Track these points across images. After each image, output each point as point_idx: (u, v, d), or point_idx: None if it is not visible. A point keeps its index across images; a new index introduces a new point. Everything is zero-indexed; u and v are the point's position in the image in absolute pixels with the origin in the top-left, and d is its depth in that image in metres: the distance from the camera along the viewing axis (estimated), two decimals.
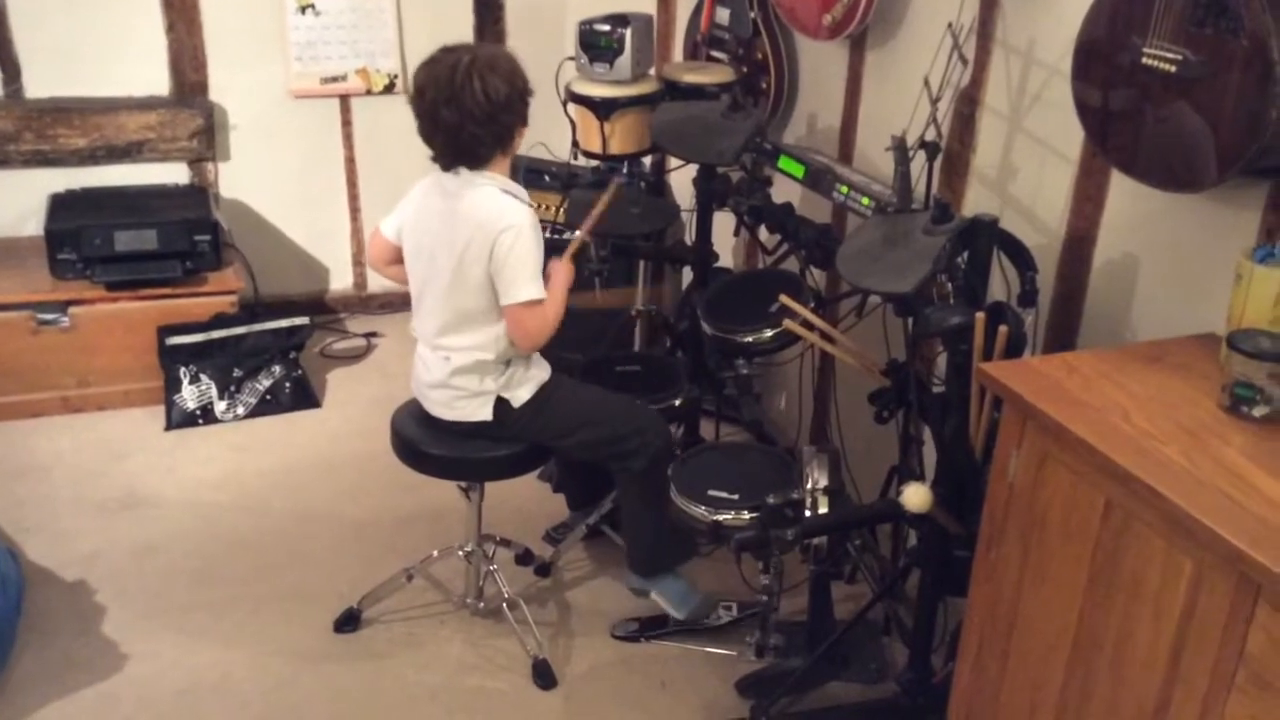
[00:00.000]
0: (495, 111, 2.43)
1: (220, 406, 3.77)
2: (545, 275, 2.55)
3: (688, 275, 3.90)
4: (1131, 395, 1.90)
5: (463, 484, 2.79)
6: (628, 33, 3.21)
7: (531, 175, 4.07)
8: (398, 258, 2.69)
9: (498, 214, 2.46)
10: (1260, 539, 1.53)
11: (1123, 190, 2.34)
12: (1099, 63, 2.13)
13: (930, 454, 2.74)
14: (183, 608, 2.94)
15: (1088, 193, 2.44)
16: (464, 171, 2.51)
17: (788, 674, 2.61)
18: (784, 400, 3.73)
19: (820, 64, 3.36)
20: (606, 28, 3.23)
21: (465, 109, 2.41)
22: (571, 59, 3.34)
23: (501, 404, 2.59)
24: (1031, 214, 2.60)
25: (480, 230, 2.47)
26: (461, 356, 2.56)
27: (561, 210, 3.53)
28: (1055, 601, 1.92)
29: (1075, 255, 2.49)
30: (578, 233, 2.76)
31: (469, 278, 2.50)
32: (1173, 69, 1.96)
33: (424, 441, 2.66)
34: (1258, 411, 1.82)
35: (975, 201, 2.78)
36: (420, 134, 2.53)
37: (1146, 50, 2.00)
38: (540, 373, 2.65)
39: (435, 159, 2.55)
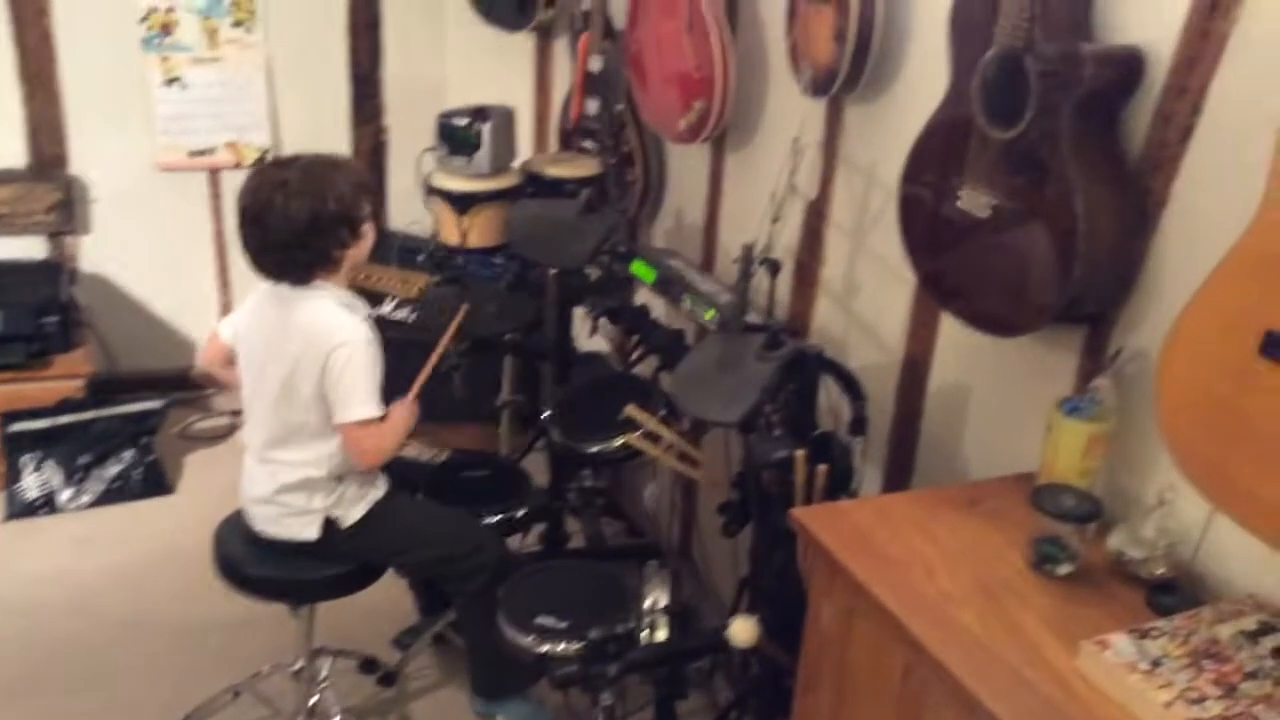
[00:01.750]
0: (297, 238, 2.33)
1: (64, 495, 3.62)
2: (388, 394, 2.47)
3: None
4: (940, 547, 1.86)
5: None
6: (486, 128, 3.17)
7: (405, 254, 4.01)
8: (232, 360, 2.60)
9: (331, 329, 2.38)
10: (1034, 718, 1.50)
11: (953, 319, 2.33)
12: (921, 197, 2.12)
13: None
14: None
15: (923, 317, 2.42)
16: (289, 284, 2.42)
17: None
18: (650, 494, 3.67)
19: (685, 160, 3.34)
20: (465, 121, 3.18)
21: (267, 231, 2.33)
22: (431, 150, 3.28)
23: (329, 523, 2.50)
24: (874, 332, 2.58)
25: (311, 345, 2.38)
26: (288, 472, 2.47)
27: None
28: None
29: (912, 378, 2.47)
30: (424, 371, 2.67)
31: (298, 392, 2.41)
32: (985, 214, 1.95)
33: (246, 561, 2.55)
34: (1062, 570, 1.79)
35: (824, 315, 2.76)
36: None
37: (961, 192, 1.99)
38: (374, 492, 2.56)
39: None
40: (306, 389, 2.41)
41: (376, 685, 2.99)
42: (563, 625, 2.39)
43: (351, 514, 2.52)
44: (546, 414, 2.87)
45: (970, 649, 1.63)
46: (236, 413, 4.28)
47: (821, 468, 2.10)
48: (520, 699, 2.76)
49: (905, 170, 2.16)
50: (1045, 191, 1.85)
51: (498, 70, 4.16)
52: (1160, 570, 1.77)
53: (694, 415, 2.31)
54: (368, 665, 3.02)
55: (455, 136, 3.19)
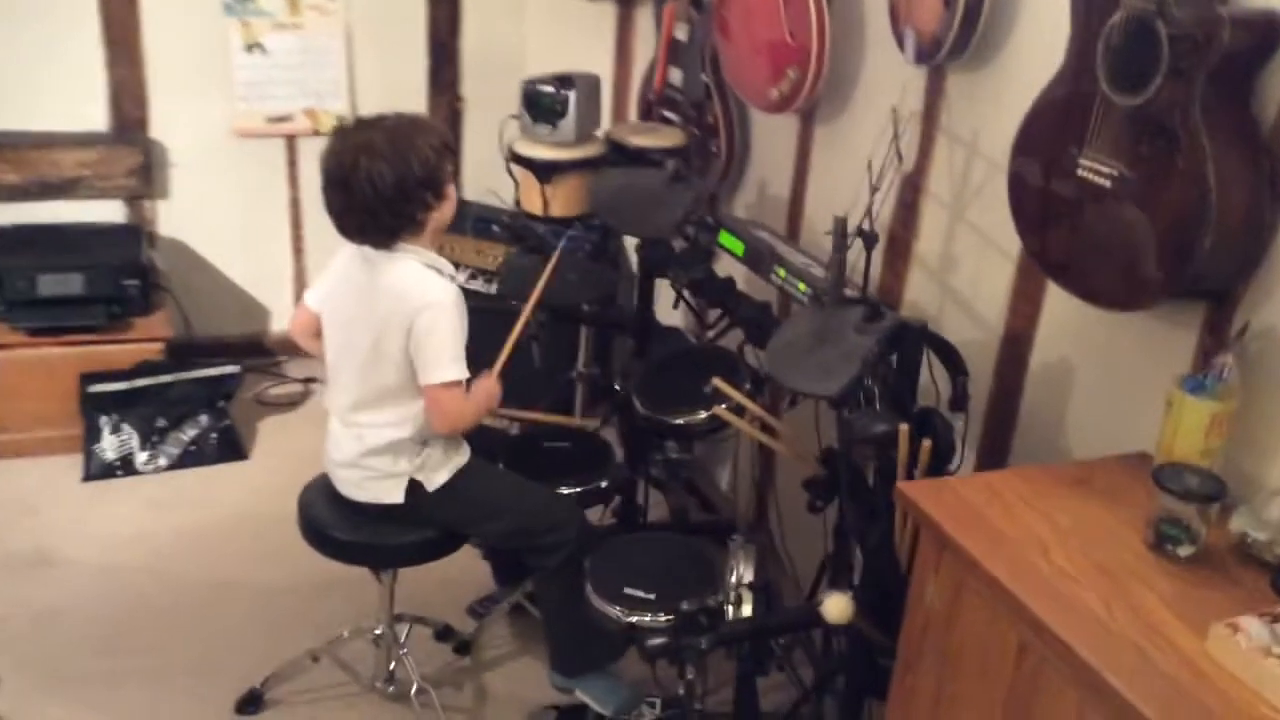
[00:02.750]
0: (382, 201, 2.30)
1: (141, 457, 3.64)
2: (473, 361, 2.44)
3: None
4: (1054, 526, 1.81)
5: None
6: (572, 95, 3.13)
7: (480, 224, 3.97)
8: (320, 330, 2.58)
9: (418, 291, 2.36)
10: (1171, 704, 1.45)
11: (1060, 294, 2.25)
12: (1035, 169, 2.06)
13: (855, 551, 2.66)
14: (81, 679, 2.81)
15: (1026, 292, 2.36)
16: (377, 246, 2.40)
17: None
18: (726, 476, 3.63)
19: (771, 132, 3.28)
20: (551, 89, 3.15)
21: (351, 194, 2.30)
22: (515, 117, 3.25)
23: (415, 487, 2.48)
24: (971, 307, 2.52)
25: (399, 307, 2.36)
26: (375, 435, 2.45)
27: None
28: None
29: (1012, 355, 2.41)
30: (508, 345, 2.64)
31: (386, 354, 2.39)
32: (1107, 184, 1.89)
33: (332, 525, 2.54)
34: (1183, 551, 1.73)
35: (916, 289, 2.70)
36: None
37: (1082, 161, 1.93)
38: (459, 457, 2.54)
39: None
40: (394, 351, 2.39)
41: (452, 654, 2.98)
42: (651, 596, 2.36)
43: (436, 478, 2.50)
44: (629, 385, 2.83)
45: (1092, 628, 1.58)
46: (309, 380, 4.30)
47: (925, 443, 2.05)
48: (599, 674, 2.73)
49: (1018, 140, 2.09)
50: (1174, 160, 1.78)
51: (577, 39, 4.11)
52: None
53: (791, 388, 2.27)
54: (443, 633, 3.01)
55: (540, 104, 3.15)
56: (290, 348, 4.46)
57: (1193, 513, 1.72)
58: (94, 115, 3.95)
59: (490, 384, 2.53)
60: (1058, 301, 2.28)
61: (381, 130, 2.33)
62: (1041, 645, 1.63)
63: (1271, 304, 1.82)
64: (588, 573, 2.44)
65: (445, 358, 2.37)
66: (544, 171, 3.15)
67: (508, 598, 3.05)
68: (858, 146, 2.84)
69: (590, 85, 3.22)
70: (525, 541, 2.56)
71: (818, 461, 2.62)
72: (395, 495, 2.48)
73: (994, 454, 2.44)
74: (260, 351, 4.37)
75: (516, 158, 3.20)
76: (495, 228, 3.89)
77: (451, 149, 2.47)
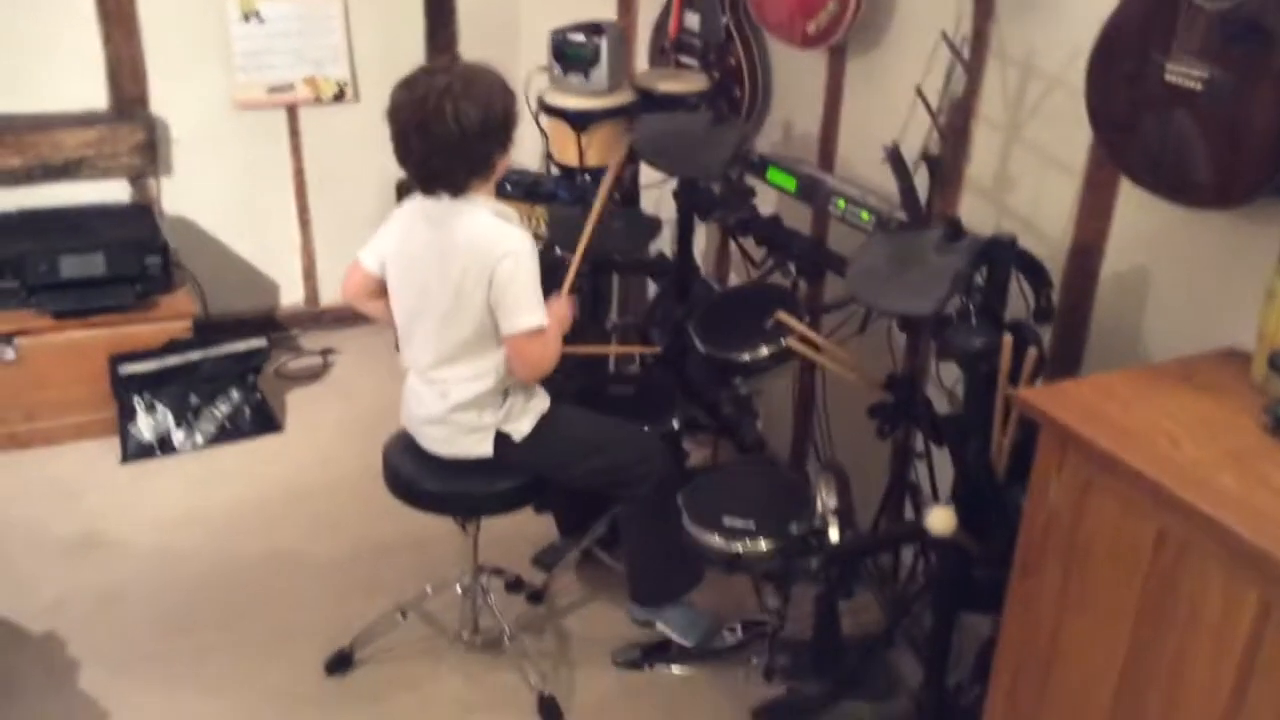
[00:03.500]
0: (466, 140, 2.31)
1: (178, 436, 3.60)
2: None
3: (651, 289, 3.86)
4: (1173, 419, 1.87)
5: (459, 518, 2.68)
6: (603, 42, 3.13)
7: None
8: (379, 291, 2.57)
9: (495, 240, 2.36)
10: None
11: (1131, 203, 2.32)
12: (1117, 77, 2.10)
13: (921, 470, 2.73)
14: (159, 657, 2.80)
15: (1094, 205, 2.41)
16: (446, 197, 2.39)
17: (805, 700, 2.56)
18: (760, 420, 3.67)
19: (796, 71, 3.31)
20: (581, 38, 3.14)
21: (435, 137, 2.29)
22: (544, 69, 3.23)
23: (502, 438, 2.50)
24: (1031, 226, 2.57)
25: (477, 258, 2.36)
26: (460, 390, 2.46)
27: (539, 222, 3.43)
28: (1100, 632, 1.89)
29: (1081, 269, 2.47)
30: (571, 269, 2.65)
31: (467, 308, 2.40)
32: (1199, 87, 1.94)
33: (422, 478, 2.56)
34: None
35: (970, 214, 2.74)
36: (395, 155, 2.41)
37: (1170, 67, 1.98)
38: (540, 403, 2.56)
39: (410, 180, 2.43)
40: (475, 303, 2.39)
41: (526, 603, 3.01)
42: (750, 525, 2.40)
43: (521, 427, 2.51)
44: (690, 325, 2.86)
45: (1239, 508, 1.65)
46: (327, 351, 4.28)
47: (1032, 352, 2.10)
48: (679, 605, 2.78)
49: (1097, 52, 2.13)
50: (1269, 59, 1.84)
51: None
52: None
53: (883, 309, 2.31)
54: (514, 585, 3.03)
55: (571, 54, 3.14)
56: (304, 320, 4.45)
57: None
58: (93, 94, 3.86)
59: (562, 307, 2.54)
60: (1129, 210, 2.34)
61: (456, 75, 2.32)
62: (1185, 530, 1.69)
63: None
64: (683, 506, 2.47)
65: (527, 305, 2.38)
66: (579, 121, 3.14)
67: (574, 548, 3.07)
68: (896, 77, 2.87)
69: (618, 32, 3.22)
70: (611, 478, 2.59)
71: (884, 388, 2.68)
72: (484, 448, 2.49)
73: (1067, 364, 2.50)
74: (273, 326, 4.33)
75: (548, 109, 3.19)
76: (507, 186, 3.88)
77: (513, 93, 2.47)
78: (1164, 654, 1.77)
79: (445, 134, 2.29)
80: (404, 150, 2.37)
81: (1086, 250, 2.45)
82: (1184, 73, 1.96)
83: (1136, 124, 2.08)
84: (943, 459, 2.67)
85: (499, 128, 2.35)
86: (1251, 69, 1.87)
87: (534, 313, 2.39)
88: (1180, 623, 1.73)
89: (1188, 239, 2.21)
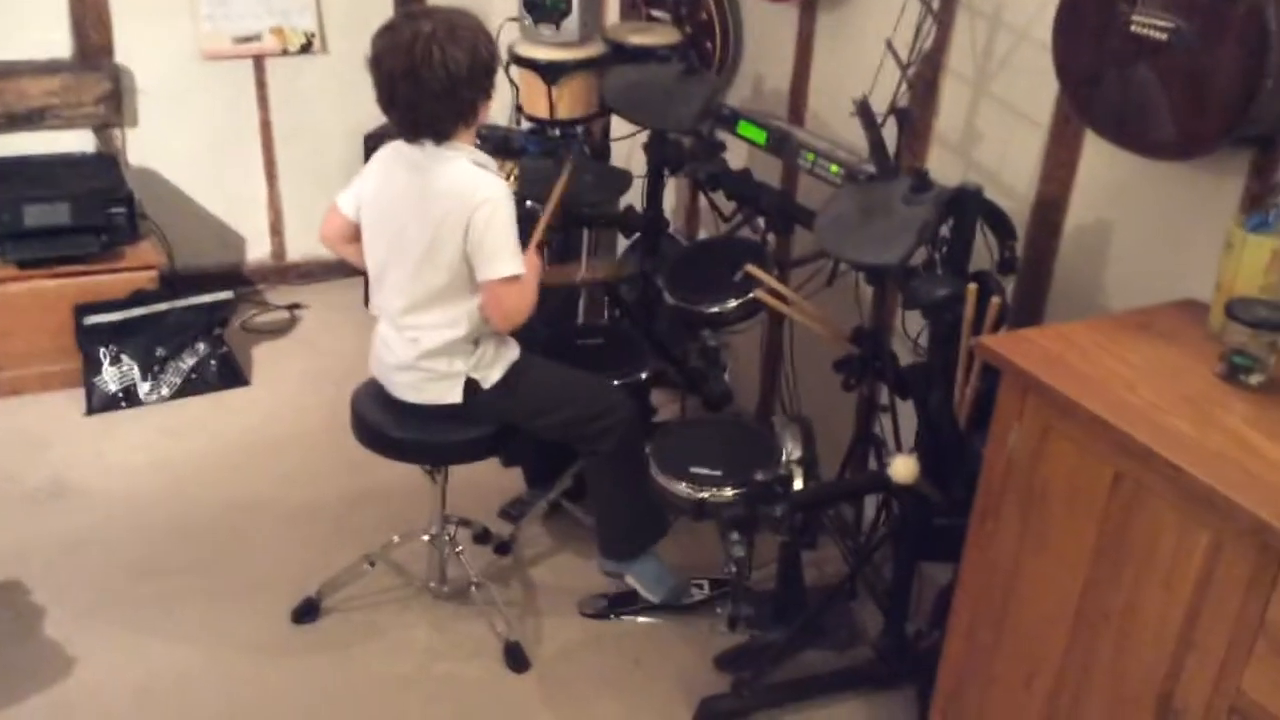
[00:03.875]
0: (455, 86, 2.30)
1: (144, 388, 3.58)
2: None
3: (622, 244, 3.86)
4: (1131, 366, 1.91)
5: (427, 466, 2.69)
6: None
7: None
8: (356, 235, 2.56)
9: (473, 187, 2.36)
10: None
11: (1096, 156, 2.35)
12: (1083, 30, 2.11)
13: (886, 422, 2.76)
14: (126, 603, 2.80)
15: (1059, 158, 2.44)
16: (429, 144, 2.39)
17: (766, 647, 2.60)
18: (727, 373, 3.70)
19: (767, 26, 3.31)
20: None
21: (423, 83, 2.28)
22: (515, 19, 3.22)
23: (471, 385, 2.50)
24: (997, 179, 2.60)
25: (456, 204, 2.36)
26: (431, 336, 2.46)
27: (513, 178, 3.42)
28: (1057, 573, 1.93)
29: (1045, 221, 2.50)
30: (541, 221, 2.65)
31: (442, 254, 2.40)
32: (1164, 37, 1.96)
33: (389, 425, 2.56)
34: (1254, 380, 1.84)
35: (937, 167, 2.76)
36: (378, 103, 2.40)
37: (1135, 18, 2.00)
38: (510, 352, 2.57)
39: (395, 129, 2.42)
40: (450, 250, 2.39)
41: (494, 554, 3.03)
42: (718, 473, 2.43)
43: (491, 375, 2.52)
44: (659, 278, 2.87)
45: (1194, 449, 1.68)
46: (294, 306, 4.26)
47: (995, 300, 2.13)
48: (647, 556, 2.81)
49: (1061, 5, 2.15)
50: (1232, 8, 1.86)
51: None
52: None
53: (852, 261, 2.32)
54: (482, 536, 3.05)
55: (543, 4, 3.13)
56: (270, 275, 4.42)
57: (1263, 343, 1.83)
58: (58, 42, 3.81)
59: (532, 257, 2.54)
60: (1094, 164, 2.37)
61: (438, 21, 2.31)
62: (1141, 472, 1.73)
63: None
64: (651, 456, 2.50)
65: (504, 252, 2.39)
66: (550, 73, 3.13)
67: (540, 499, 3.09)
68: (865, 31, 2.89)
69: None
70: (580, 429, 2.61)
71: (849, 341, 2.71)
72: (454, 395, 2.50)
73: (1029, 314, 2.53)
74: (239, 281, 4.30)
75: (519, 60, 3.17)
76: (477, 141, 3.86)
77: (493, 38, 2.46)
78: (1119, 591, 1.81)
79: (433, 80, 2.28)
80: (389, 98, 2.36)
81: (1051, 203, 2.48)
82: (1149, 23, 1.98)
83: (1102, 76, 2.10)
84: (906, 412, 2.71)
85: (484, 73, 2.36)
86: (1215, 19, 1.89)
87: (511, 260, 2.40)
88: (1135, 561, 1.77)
89: (1150, 191, 2.25)
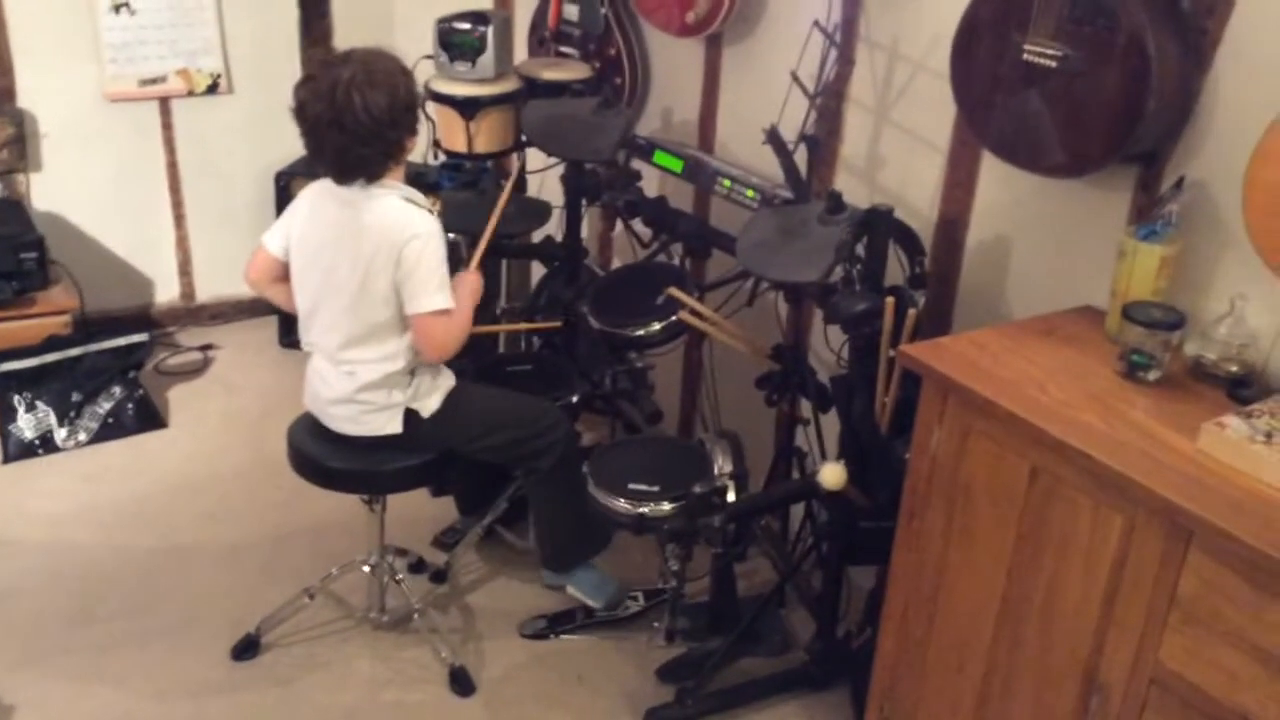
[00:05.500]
0: (379, 129, 2.36)
1: (60, 434, 3.53)
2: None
3: (536, 274, 3.94)
4: (1039, 368, 2.06)
5: (365, 497, 2.72)
6: (489, 30, 3.20)
7: None
8: (283, 274, 2.59)
9: (404, 223, 2.42)
10: (1188, 491, 1.71)
11: (993, 177, 2.52)
12: (978, 58, 2.28)
13: (809, 435, 2.88)
14: (62, 651, 2.76)
15: (958, 179, 2.61)
16: (360, 184, 2.44)
17: (705, 656, 2.69)
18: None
19: (674, 60, 3.44)
20: (467, 26, 3.20)
21: (349, 129, 2.34)
22: (429, 57, 3.29)
23: (411, 415, 2.55)
24: (902, 200, 2.75)
25: (386, 240, 2.41)
26: (368, 370, 2.51)
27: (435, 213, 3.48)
28: (982, 563, 2.06)
29: (948, 239, 2.66)
30: (482, 242, 2.72)
31: (375, 289, 2.44)
32: (1053, 64, 2.13)
33: (327, 456, 2.59)
34: (1151, 376, 2.01)
35: (844, 190, 2.85)
36: (306, 150, 2.45)
37: (1027, 47, 2.17)
38: (446, 380, 2.62)
39: (327, 174, 2.47)
40: (382, 286, 2.44)
41: (430, 583, 3.06)
42: (655, 488, 2.52)
43: (430, 404, 2.58)
44: (584, 304, 2.96)
45: (1103, 441, 1.83)
46: (207, 347, 4.24)
47: (912, 312, 2.26)
48: (587, 567, 2.89)
49: (960, 34, 2.30)
50: (1115, 36, 2.03)
51: None
52: (1234, 369, 2.01)
53: (775, 279, 2.45)
54: (417, 566, 3.08)
55: (457, 42, 3.20)
56: (180, 317, 4.39)
57: (1158, 342, 2.00)
58: None
59: (472, 278, 2.60)
60: (990, 185, 2.54)
61: (355, 65, 2.37)
62: (1057, 464, 1.87)
63: (1199, 159, 2.11)
64: (589, 475, 2.58)
65: (431, 286, 2.44)
66: (467, 108, 3.21)
67: (474, 526, 3.14)
68: (769, 64, 3.03)
69: (503, 21, 3.29)
70: (519, 450, 2.67)
71: (769, 358, 2.83)
72: (394, 426, 2.55)
73: (938, 325, 2.68)
74: (149, 324, 4.25)
75: (436, 96, 3.24)
76: None
77: (411, 74, 2.53)
78: (1040, 578, 1.95)
79: (357, 125, 2.34)
80: (317, 146, 2.40)
81: (952, 221, 2.64)
82: (1040, 51, 2.15)
83: (997, 101, 2.26)
84: (827, 424, 2.84)
85: (405, 110, 2.42)
86: (1100, 47, 2.06)
87: (439, 293, 2.45)
88: (1054, 547, 1.92)
89: (1044, 207, 2.42)
